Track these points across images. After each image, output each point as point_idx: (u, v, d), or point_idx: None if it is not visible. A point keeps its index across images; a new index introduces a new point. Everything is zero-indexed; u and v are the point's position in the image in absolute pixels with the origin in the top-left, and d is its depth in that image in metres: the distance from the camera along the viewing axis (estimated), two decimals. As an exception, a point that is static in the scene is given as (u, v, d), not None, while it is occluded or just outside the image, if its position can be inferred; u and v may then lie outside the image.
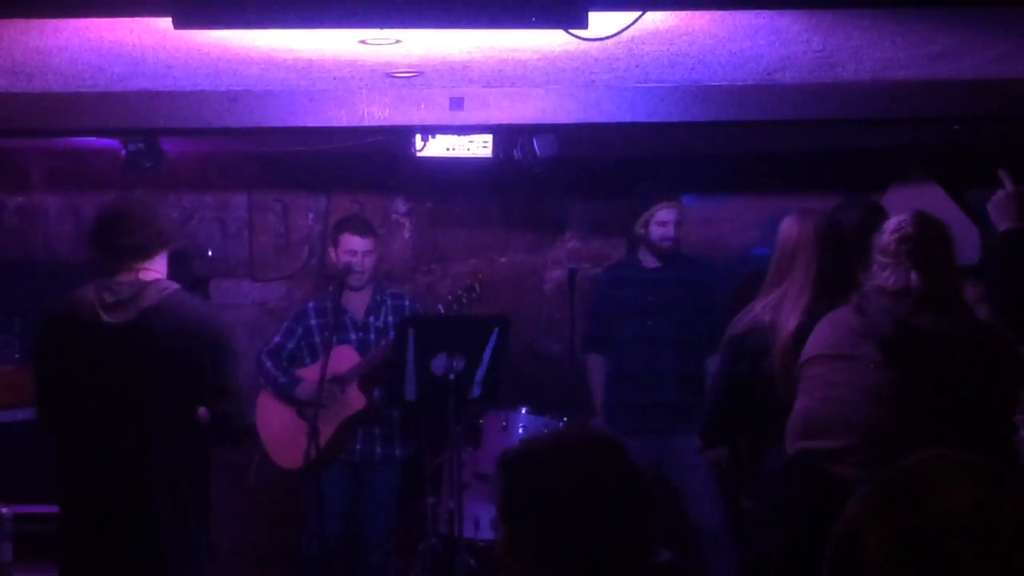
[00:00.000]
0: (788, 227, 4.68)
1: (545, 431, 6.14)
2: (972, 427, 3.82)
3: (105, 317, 4.27)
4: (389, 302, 6.43)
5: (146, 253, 4.38)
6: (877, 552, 1.55)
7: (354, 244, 6.27)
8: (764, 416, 4.63)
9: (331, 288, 6.43)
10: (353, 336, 6.26)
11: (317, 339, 6.32)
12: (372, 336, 6.32)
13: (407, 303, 6.52)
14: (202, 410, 4.32)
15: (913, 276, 3.97)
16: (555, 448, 2.31)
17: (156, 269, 4.40)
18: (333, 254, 6.40)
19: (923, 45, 4.52)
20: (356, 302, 6.37)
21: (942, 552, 1.51)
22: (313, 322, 6.37)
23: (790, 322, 4.50)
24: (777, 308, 4.58)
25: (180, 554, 4.30)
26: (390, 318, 6.39)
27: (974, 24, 4.25)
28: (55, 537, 4.40)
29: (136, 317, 4.27)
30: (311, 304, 6.45)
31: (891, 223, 4.13)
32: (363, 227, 6.36)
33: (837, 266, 4.54)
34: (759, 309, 4.67)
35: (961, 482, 1.57)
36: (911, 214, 4.13)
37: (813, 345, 4.17)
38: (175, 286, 4.39)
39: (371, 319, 6.33)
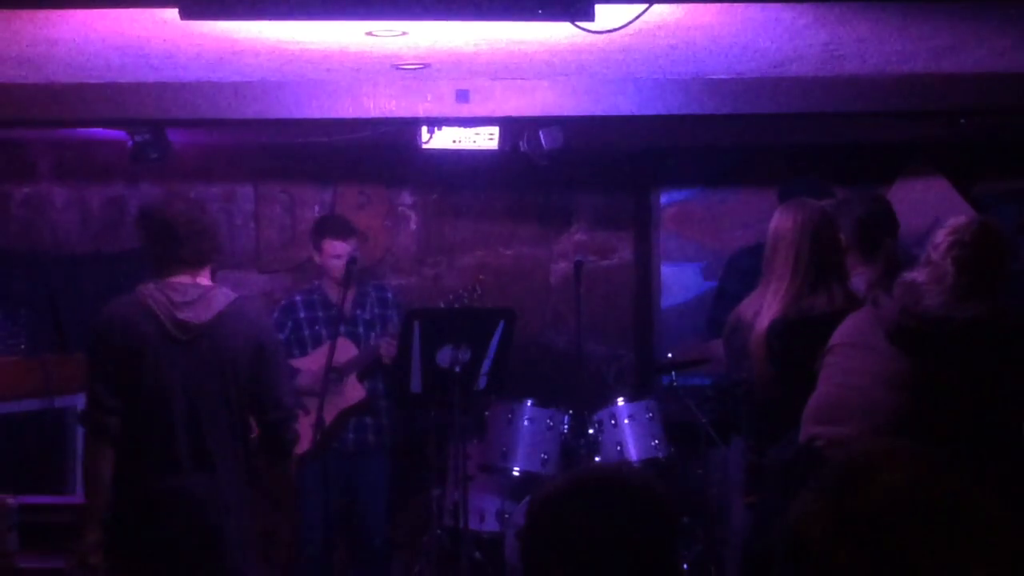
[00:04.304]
0: (773, 220, 4.68)
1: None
2: (983, 414, 3.80)
3: (180, 315, 4.33)
4: (373, 294, 6.47)
5: (204, 261, 4.46)
6: (824, 541, 1.61)
7: (337, 249, 6.28)
8: (753, 415, 4.64)
9: (316, 283, 6.48)
10: (344, 329, 6.24)
11: (306, 332, 6.35)
12: (360, 329, 6.36)
13: (389, 295, 6.58)
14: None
15: (957, 281, 3.90)
16: (577, 492, 2.26)
17: (207, 279, 4.48)
18: (316, 257, 6.41)
19: (929, 38, 4.51)
20: (342, 296, 6.39)
21: (884, 532, 1.57)
22: (302, 315, 6.39)
23: (766, 317, 4.50)
24: (759, 302, 4.58)
25: (239, 542, 4.42)
26: (376, 310, 6.44)
27: (980, 17, 4.25)
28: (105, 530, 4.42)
29: (214, 319, 4.35)
30: (298, 297, 6.46)
31: (950, 227, 4.01)
32: (344, 230, 6.33)
33: (819, 258, 4.51)
34: (744, 305, 4.67)
35: (897, 465, 1.63)
36: (974, 226, 4.00)
37: (836, 335, 4.16)
38: (235, 292, 4.50)
39: (358, 312, 6.35)
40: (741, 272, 6.00)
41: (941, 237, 3.99)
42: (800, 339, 4.34)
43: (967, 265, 3.90)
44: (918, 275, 3.99)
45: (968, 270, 3.90)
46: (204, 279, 4.45)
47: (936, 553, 1.55)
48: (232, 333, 4.38)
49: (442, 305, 6.55)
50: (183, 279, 4.39)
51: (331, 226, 6.38)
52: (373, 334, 6.36)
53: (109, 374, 4.35)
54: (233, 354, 4.38)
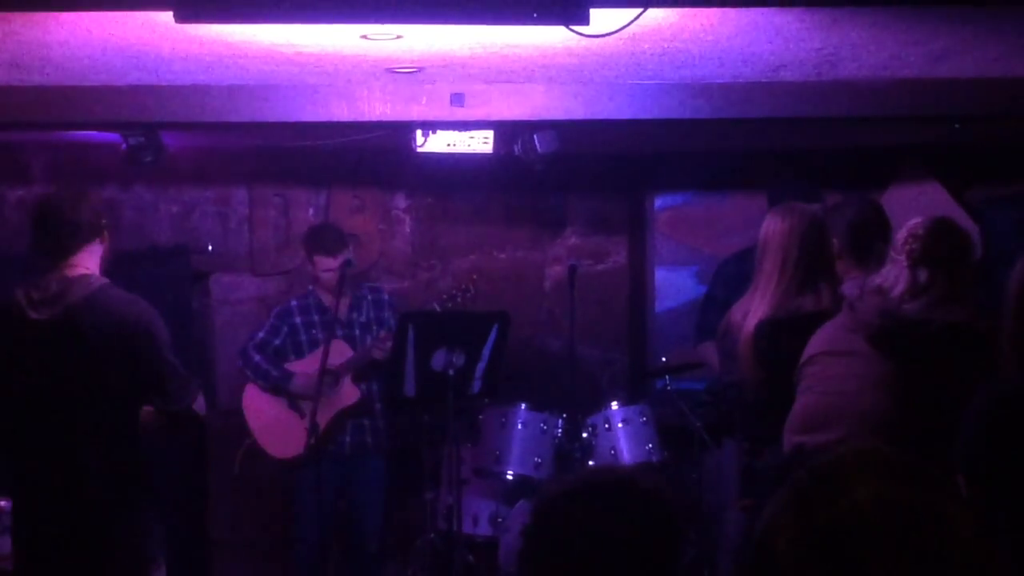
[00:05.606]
0: (763, 224, 4.69)
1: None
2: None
3: (32, 315, 4.20)
4: (369, 297, 6.48)
5: (69, 250, 4.28)
6: (787, 552, 1.55)
7: (327, 264, 6.28)
8: (744, 419, 4.65)
9: (310, 288, 6.49)
10: (340, 332, 6.27)
11: (303, 337, 6.38)
12: (357, 332, 6.38)
13: (385, 297, 6.60)
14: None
15: (913, 275, 3.94)
16: (586, 492, 2.23)
17: (84, 264, 4.29)
18: (309, 267, 6.44)
19: (924, 44, 4.52)
20: (335, 301, 6.38)
21: (849, 549, 1.51)
22: (297, 320, 6.41)
23: (754, 318, 4.50)
24: (748, 305, 4.59)
25: (127, 546, 4.29)
26: (372, 313, 6.46)
27: (975, 23, 4.26)
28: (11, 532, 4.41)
29: (62, 314, 4.19)
30: (294, 303, 6.49)
31: (907, 225, 4.06)
32: (333, 246, 6.33)
33: (808, 262, 4.51)
34: (734, 308, 4.68)
35: (868, 477, 1.57)
36: (927, 220, 4.04)
37: (812, 346, 4.18)
38: (102, 281, 4.29)
39: (354, 315, 6.37)
40: (728, 278, 6.00)
41: (899, 236, 4.03)
42: (787, 338, 4.34)
43: (923, 261, 3.92)
44: (881, 278, 4.01)
45: (924, 266, 3.91)
46: (78, 268, 4.28)
47: (904, 570, 1.50)
48: (91, 325, 4.20)
49: (436, 306, 6.55)
50: (53, 274, 4.27)
51: (321, 242, 6.37)
52: (369, 337, 6.37)
53: None
54: (92, 347, 4.20)
